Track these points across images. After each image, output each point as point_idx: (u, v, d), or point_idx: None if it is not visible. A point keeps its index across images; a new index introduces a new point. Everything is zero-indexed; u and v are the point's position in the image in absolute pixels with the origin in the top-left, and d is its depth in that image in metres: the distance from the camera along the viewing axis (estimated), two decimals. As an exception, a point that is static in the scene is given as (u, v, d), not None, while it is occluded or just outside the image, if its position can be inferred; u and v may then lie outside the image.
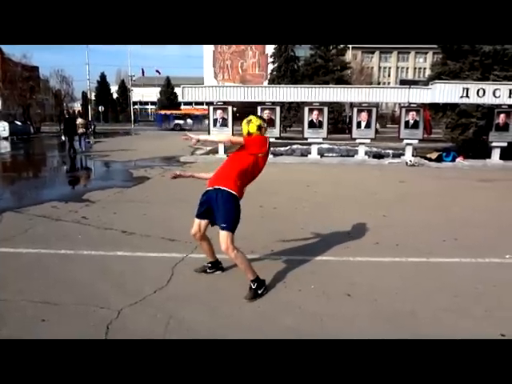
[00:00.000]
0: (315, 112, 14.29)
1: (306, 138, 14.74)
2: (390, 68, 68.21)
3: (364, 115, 14.28)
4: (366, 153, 14.87)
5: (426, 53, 64.37)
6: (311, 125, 14.36)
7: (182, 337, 2.78)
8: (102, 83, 62.63)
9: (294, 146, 17.93)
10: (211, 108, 14.57)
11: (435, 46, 29.73)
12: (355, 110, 14.45)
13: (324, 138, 14.80)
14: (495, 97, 13.66)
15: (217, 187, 3.42)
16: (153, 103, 64.48)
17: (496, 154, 14.13)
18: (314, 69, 33.29)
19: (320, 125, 14.34)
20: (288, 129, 31.99)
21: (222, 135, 3.58)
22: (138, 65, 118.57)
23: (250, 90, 14.87)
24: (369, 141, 14.61)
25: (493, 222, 6.09)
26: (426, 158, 14.32)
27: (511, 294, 3.56)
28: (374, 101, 14.53)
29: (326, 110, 14.43)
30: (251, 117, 3.67)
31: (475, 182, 10.18)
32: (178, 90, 48.83)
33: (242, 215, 3.52)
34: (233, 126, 14.49)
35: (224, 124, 14.47)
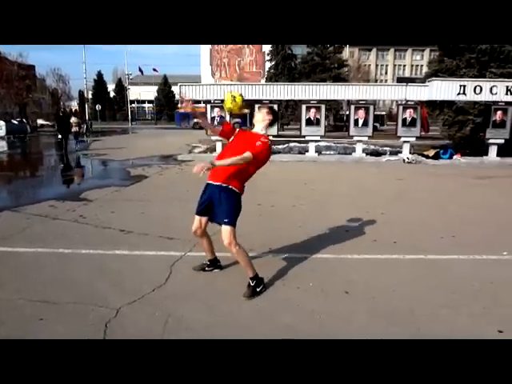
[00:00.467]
0: (313, 110, 14.28)
1: (304, 136, 14.75)
2: (387, 65, 68.26)
3: (361, 113, 14.28)
4: (363, 150, 14.89)
5: (423, 50, 64.50)
6: (309, 123, 14.37)
7: (180, 335, 2.78)
8: (99, 82, 62.53)
9: (292, 144, 17.95)
10: (209, 106, 14.55)
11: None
12: (352, 107, 14.44)
13: (321, 136, 14.82)
14: (492, 94, 13.69)
15: (218, 184, 3.38)
16: (150, 102, 64.34)
17: (493, 151, 14.16)
18: (311, 67, 33.28)
19: (317, 123, 14.35)
20: (285, 127, 31.97)
21: (245, 155, 3.41)
22: (135, 63, 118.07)
23: (248, 88, 14.85)
24: (366, 138, 14.64)
25: (490, 219, 6.11)
26: (423, 156, 14.35)
27: (508, 291, 3.58)
28: (371, 98, 14.53)
29: (323, 107, 14.43)
30: (232, 93, 3.52)
31: (472, 180, 10.21)
32: (175, 89, 48.80)
33: (240, 213, 3.51)
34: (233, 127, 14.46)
35: (222, 122, 14.45)
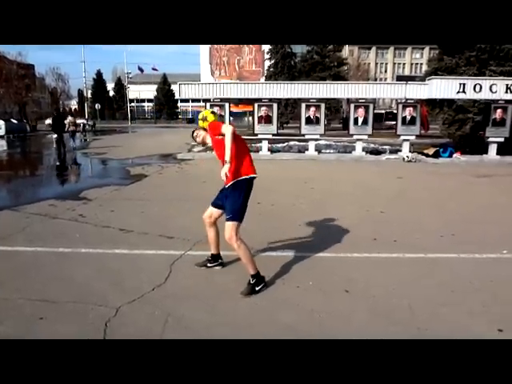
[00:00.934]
0: (312, 108, 14.28)
1: (304, 135, 14.74)
2: (386, 64, 68.25)
3: (361, 111, 14.27)
4: (363, 149, 14.88)
5: (423, 48, 64.48)
6: (308, 121, 14.36)
7: (180, 334, 2.78)
8: (99, 81, 62.48)
9: (292, 143, 17.95)
10: (208, 105, 14.54)
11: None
12: (352, 106, 14.45)
13: (321, 135, 14.81)
14: (492, 92, 13.68)
15: (229, 185, 3.48)
16: (149, 100, 64.28)
17: (493, 149, 14.17)
18: (311, 65, 33.30)
19: (317, 121, 14.34)
20: (285, 125, 31.98)
21: (223, 131, 3.49)
22: (134, 62, 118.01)
23: (247, 86, 14.85)
24: (366, 137, 14.63)
25: (490, 218, 6.11)
26: (423, 154, 14.35)
27: (508, 290, 3.58)
28: (370, 97, 14.52)
29: (323, 106, 14.42)
30: (204, 113, 3.87)
31: (472, 178, 10.21)
32: (174, 87, 48.75)
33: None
34: (229, 123, 14.46)
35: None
